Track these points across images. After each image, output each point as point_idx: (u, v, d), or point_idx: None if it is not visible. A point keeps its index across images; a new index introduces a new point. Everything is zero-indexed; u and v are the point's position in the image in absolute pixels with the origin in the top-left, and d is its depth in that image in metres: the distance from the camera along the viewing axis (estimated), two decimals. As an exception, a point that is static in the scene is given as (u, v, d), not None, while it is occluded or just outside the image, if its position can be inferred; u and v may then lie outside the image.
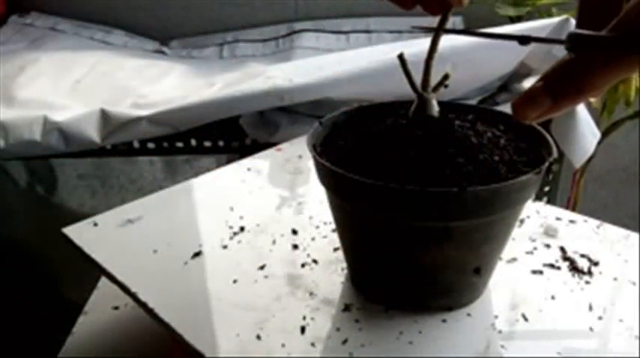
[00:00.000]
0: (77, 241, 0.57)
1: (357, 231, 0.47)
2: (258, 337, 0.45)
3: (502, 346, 0.44)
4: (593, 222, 0.60)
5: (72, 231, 0.59)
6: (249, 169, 0.72)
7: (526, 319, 0.47)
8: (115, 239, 0.58)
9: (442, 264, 0.45)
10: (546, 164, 0.42)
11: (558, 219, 0.61)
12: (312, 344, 0.44)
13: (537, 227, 0.59)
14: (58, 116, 0.93)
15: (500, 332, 0.45)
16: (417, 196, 0.40)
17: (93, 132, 0.92)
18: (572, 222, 0.60)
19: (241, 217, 0.61)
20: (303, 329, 0.45)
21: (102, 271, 0.54)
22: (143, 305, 0.49)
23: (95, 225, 0.60)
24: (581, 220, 0.61)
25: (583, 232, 0.59)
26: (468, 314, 0.47)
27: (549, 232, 0.58)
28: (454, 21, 1.29)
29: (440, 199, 0.40)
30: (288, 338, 0.45)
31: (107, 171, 1.06)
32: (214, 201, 0.65)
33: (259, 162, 0.74)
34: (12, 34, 1.33)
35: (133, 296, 0.50)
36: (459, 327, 0.46)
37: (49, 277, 1.13)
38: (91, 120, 0.92)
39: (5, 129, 0.91)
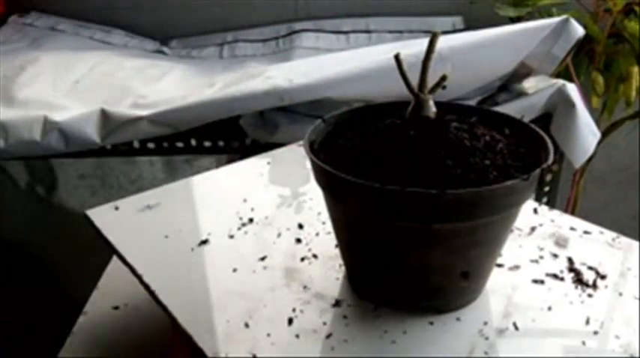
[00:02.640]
0: (97, 223, 0.59)
1: (348, 230, 0.48)
2: (247, 325, 0.46)
3: (485, 353, 0.43)
4: (609, 234, 0.57)
5: (94, 214, 0.61)
6: (268, 163, 0.73)
7: (517, 328, 0.46)
8: (132, 223, 0.60)
9: (428, 266, 0.45)
10: (537, 171, 0.42)
11: (573, 229, 0.58)
12: (297, 336, 0.45)
13: (548, 236, 0.57)
14: (58, 116, 0.93)
15: (487, 338, 0.45)
16: (398, 196, 0.40)
17: (93, 132, 0.92)
18: (587, 233, 0.58)
19: (252, 209, 0.62)
20: (290, 321, 0.46)
21: (115, 252, 0.56)
22: (146, 286, 0.51)
23: (116, 208, 0.62)
24: (597, 231, 0.58)
25: (596, 244, 0.56)
26: (458, 319, 0.47)
27: (560, 242, 0.56)
28: (454, 21, 1.29)
29: (419, 200, 0.40)
30: (274, 328, 0.46)
31: (107, 171, 1.06)
32: (230, 192, 0.66)
33: (280, 157, 0.75)
34: (12, 34, 1.33)
35: (139, 278, 0.52)
36: (445, 330, 0.46)
37: (49, 277, 1.13)
38: (91, 120, 0.92)
39: (5, 129, 0.91)
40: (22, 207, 1.12)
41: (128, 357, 0.59)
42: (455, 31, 1.23)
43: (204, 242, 0.56)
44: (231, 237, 0.57)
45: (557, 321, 0.47)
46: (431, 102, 0.46)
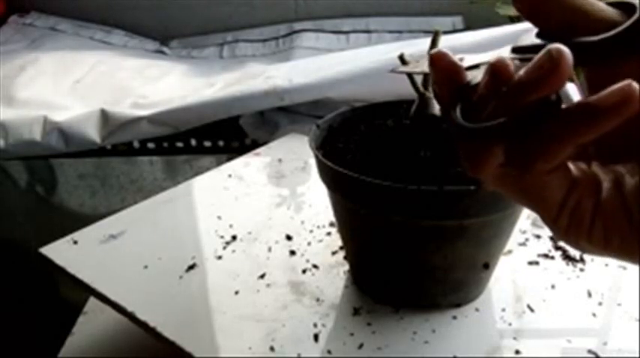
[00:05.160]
0: (58, 261, 0.53)
1: (369, 234, 0.46)
2: (272, 348, 0.43)
3: (515, 338, 0.44)
4: None
5: (51, 251, 0.55)
6: (230, 176, 0.70)
7: (532, 310, 0.47)
8: (99, 256, 0.55)
9: (454, 262, 0.45)
10: None
11: None
12: (329, 352, 0.43)
13: (524, 218, 0.60)
14: (58, 116, 0.93)
15: (510, 324, 0.46)
16: (435, 196, 0.39)
17: (93, 132, 0.92)
18: None
19: (231, 225, 0.60)
20: (316, 337, 0.45)
21: (91, 292, 0.51)
22: (143, 324, 0.47)
23: (75, 242, 0.57)
24: None
25: None
26: (476, 309, 0.47)
27: (537, 223, 0.59)
28: (454, 21, 1.29)
29: (457, 198, 0.40)
30: (303, 348, 0.43)
31: (107, 171, 1.06)
32: (199, 210, 0.63)
33: (239, 168, 0.73)
34: (12, 34, 1.33)
35: (130, 316, 0.48)
36: (469, 323, 0.46)
37: (49, 277, 1.13)
38: (91, 120, 0.92)
39: (5, 129, 0.91)
40: (22, 207, 1.12)
41: (128, 357, 0.59)
42: (455, 31, 1.23)
43: (192, 267, 0.53)
44: (219, 257, 0.54)
45: (564, 298, 0.49)
46: (435, 101, 0.46)
